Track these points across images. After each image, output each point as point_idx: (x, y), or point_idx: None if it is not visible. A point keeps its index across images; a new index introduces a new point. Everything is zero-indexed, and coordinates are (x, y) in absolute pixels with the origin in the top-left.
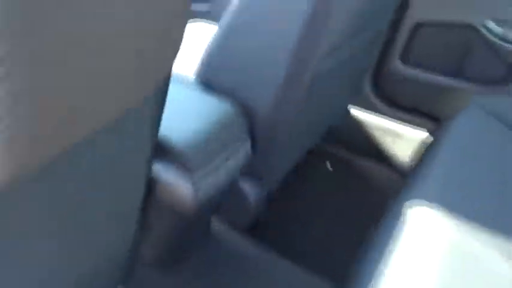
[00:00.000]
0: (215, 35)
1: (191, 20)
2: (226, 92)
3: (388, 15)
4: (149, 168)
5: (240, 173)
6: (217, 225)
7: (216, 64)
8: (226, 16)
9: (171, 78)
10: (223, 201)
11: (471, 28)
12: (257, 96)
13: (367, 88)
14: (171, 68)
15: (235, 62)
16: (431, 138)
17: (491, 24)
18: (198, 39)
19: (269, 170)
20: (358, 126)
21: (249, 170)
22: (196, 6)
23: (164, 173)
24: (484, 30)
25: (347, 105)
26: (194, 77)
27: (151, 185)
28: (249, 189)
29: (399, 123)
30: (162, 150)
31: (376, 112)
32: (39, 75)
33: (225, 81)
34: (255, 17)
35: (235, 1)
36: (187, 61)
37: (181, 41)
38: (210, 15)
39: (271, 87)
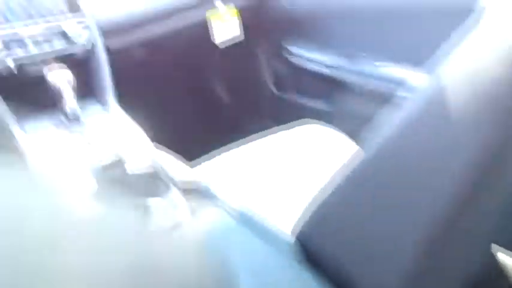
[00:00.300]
0: (336, 176)
1: (303, 120)
2: (330, 263)
3: None
4: None
5: None
6: None
7: (326, 219)
8: (360, 148)
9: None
10: None
11: None
12: (380, 275)
13: None
14: None
15: (355, 224)
16: None
17: None
18: (307, 153)
19: None
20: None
21: None
22: (313, 103)
23: None
24: None
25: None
26: (289, 232)
27: None
28: None
29: None
30: None
31: None
32: None
33: (332, 249)
34: (397, 165)
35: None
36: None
37: None
38: (329, 116)
39: (405, 262)
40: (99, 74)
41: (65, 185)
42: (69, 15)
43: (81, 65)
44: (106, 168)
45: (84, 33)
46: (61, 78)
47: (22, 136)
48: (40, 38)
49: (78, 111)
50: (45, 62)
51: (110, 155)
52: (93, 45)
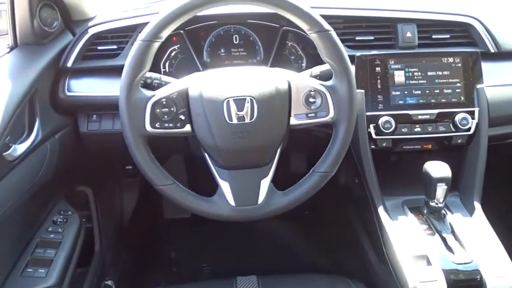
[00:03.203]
0: None
1: None
2: None
3: None
4: None
5: None
6: None
7: None
8: None
9: None
10: None
11: None
12: None
13: None
14: None
15: None
16: None
17: None
18: None
19: None
20: None
21: None
22: None
23: None
24: None
25: None
26: None
27: None
28: None
29: None
30: None
31: None
32: None
33: None
34: None
35: None
36: None
37: None
38: None
39: None
40: (472, 167)
41: None
42: (463, 105)
43: (457, 153)
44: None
45: (472, 123)
46: (438, 169)
47: (384, 214)
48: (429, 120)
49: (443, 208)
50: (424, 142)
51: (465, 259)
52: (478, 134)
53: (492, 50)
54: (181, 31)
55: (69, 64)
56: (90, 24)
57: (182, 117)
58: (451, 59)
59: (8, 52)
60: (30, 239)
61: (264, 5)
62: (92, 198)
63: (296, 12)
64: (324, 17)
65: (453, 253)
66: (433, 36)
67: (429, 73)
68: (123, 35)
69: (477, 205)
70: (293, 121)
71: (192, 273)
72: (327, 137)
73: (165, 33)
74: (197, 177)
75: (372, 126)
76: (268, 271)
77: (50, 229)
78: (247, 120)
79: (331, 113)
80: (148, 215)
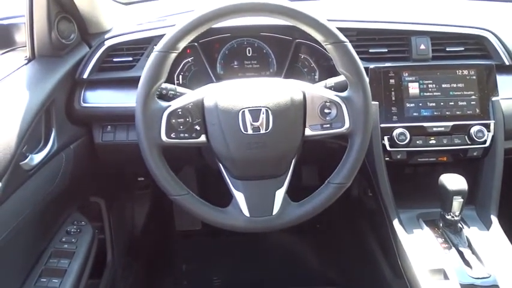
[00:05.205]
0: None
1: None
2: None
3: None
4: None
5: None
6: None
7: None
8: None
9: None
10: None
11: None
12: None
13: None
14: None
15: None
16: None
17: None
18: None
19: None
20: None
21: None
22: None
23: None
24: None
25: None
26: None
27: None
28: None
29: None
30: None
31: None
32: None
33: None
34: None
35: None
36: None
37: None
38: None
39: None
40: (488, 180)
41: None
42: (478, 117)
43: (472, 166)
44: None
45: (487, 135)
46: (454, 182)
47: (399, 227)
48: (444, 132)
49: (459, 221)
50: (439, 155)
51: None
52: (494, 146)
53: (507, 63)
54: (195, 43)
55: (85, 76)
56: (106, 36)
57: (197, 127)
58: (465, 72)
59: (26, 64)
60: (44, 249)
61: (281, 17)
62: (105, 210)
63: (312, 24)
64: (338, 29)
65: (471, 267)
66: (447, 49)
67: (443, 85)
68: (138, 47)
69: (494, 218)
70: (308, 132)
71: (203, 285)
72: (341, 149)
73: (181, 45)
74: (208, 189)
75: (386, 138)
76: (279, 284)
77: (63, 239)
78: (262, 131)
79: (347, 124)
80: (159, 227)
